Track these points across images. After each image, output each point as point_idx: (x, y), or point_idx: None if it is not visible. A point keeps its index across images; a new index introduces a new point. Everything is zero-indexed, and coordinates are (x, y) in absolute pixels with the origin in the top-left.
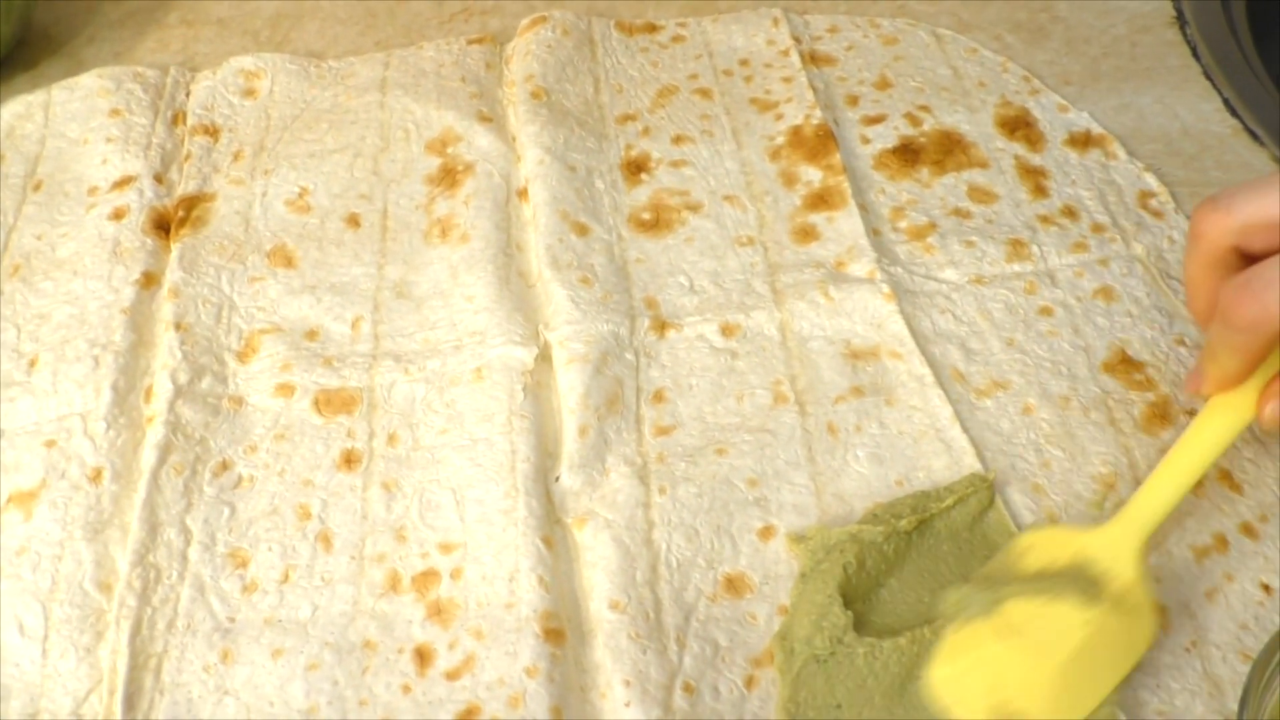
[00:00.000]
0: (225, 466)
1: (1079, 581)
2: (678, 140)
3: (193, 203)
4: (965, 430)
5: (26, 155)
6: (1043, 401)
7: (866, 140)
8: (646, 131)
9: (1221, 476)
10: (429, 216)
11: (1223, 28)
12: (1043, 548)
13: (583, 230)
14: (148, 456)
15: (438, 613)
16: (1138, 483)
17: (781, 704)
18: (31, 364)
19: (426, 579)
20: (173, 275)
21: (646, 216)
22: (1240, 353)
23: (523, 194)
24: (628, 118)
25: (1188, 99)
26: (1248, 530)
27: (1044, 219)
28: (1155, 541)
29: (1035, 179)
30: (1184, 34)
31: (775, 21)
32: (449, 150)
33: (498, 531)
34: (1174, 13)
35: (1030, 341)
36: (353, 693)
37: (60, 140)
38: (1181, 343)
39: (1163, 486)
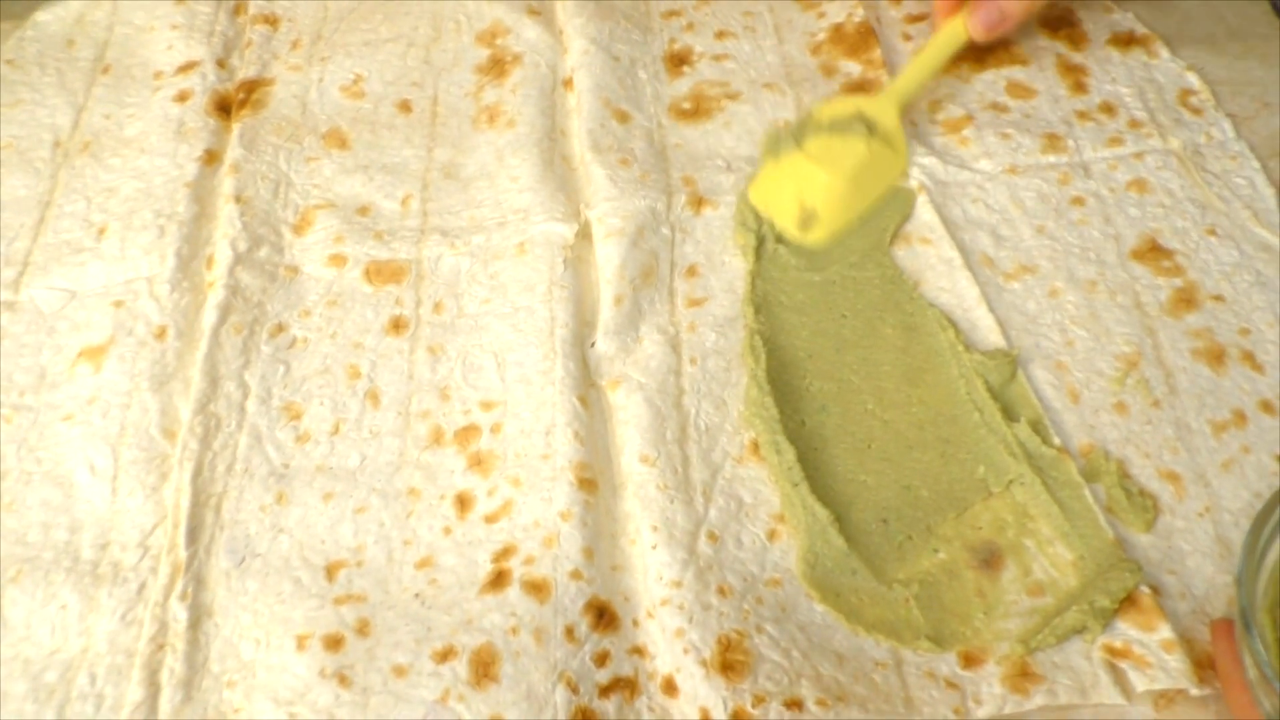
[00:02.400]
0: (281, 328)
1: (857, 126)
2: (720, 35)
3: (253, 86)
4: (991, 310)
5: (96, 40)
6: (1069, 285)
7: (908, 38)
8: (690, 27)
9: (1244, 357)
10: (477, 104)
11: None
12: (832, 110)
13: (624, 117)
14: (209, 316)
15: (478, 463)
16: (1161, 363)
17: (800, 555)
18: (101, 232)
19: (468, 433)
20: (233, 153)
21: (687, 106)
22: None
23: (568, 84)
24: (673, 13)
25: (1235, 2)
26: (1266, 407)
27: (1081, 114)
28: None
29: (1075, 76)
30: None
31: None
32: (498, 42)
33: (536, 390)
34: None
35: (1060, 229)
36: (398, 533)
37: (127, 27)
38: (1213, 233)
39: (914, 73)
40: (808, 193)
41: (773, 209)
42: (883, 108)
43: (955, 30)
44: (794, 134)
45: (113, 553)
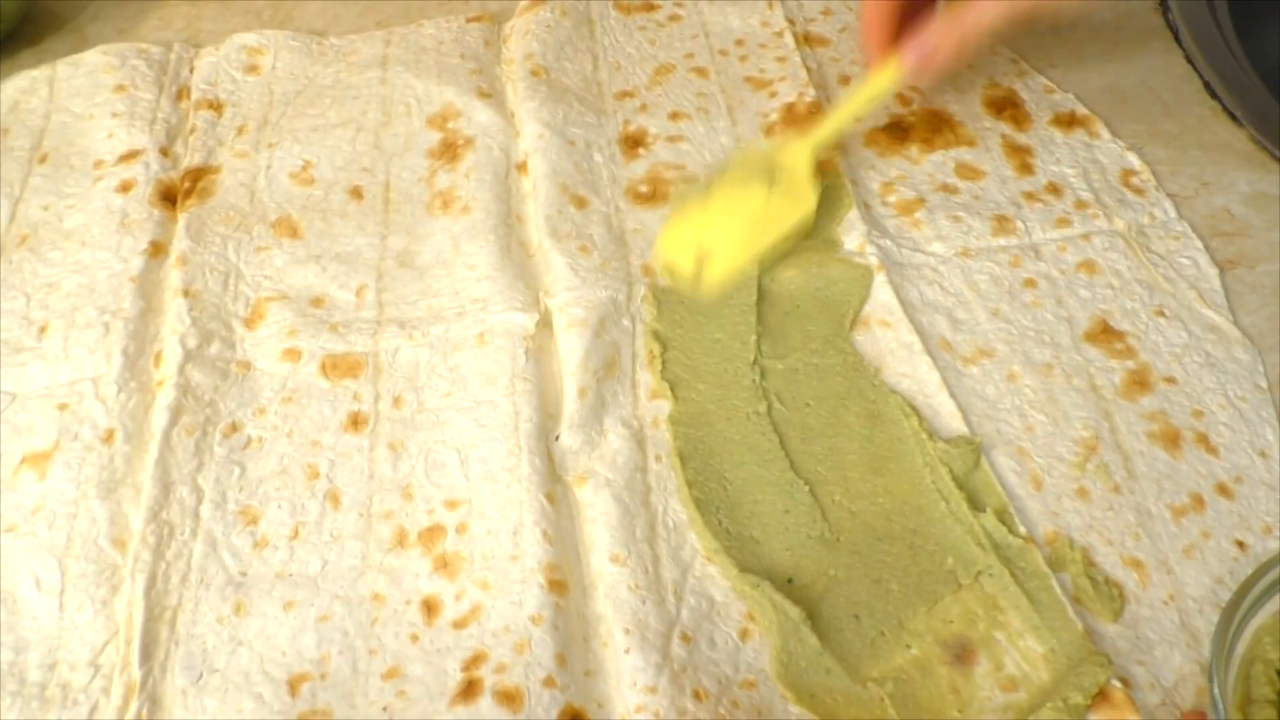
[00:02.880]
0: (235, 428)
1: (764, 175)
2: (674, 116)
3: (198, 175)
4: (952, 395)
5: (32, 129)
6: (1026, 369)
7: (857, 119)
8: (644, 108)
9: (1199, 439)
10: (430, 189)
11: (1204, 13)
12: (747, 160)
13: (581, 202)
14: (159, 418)
15: (444, 566)
16: (1119, 447)
17: (774, 655)
18: (42, 330)
19: (433, 534)
20: (180, 244)
21: (644, 189)
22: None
23: (522, 168)
24: (626, 94)
25: (1170, 81)
26: (1223, 490)
27: (1029, 195)
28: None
29: (1021, 157)
30: (1166, 19)
31: (770, 4)
32: (449, 125)
33: (502, 488)
34: None
35: (1015, 312)
36: (362, 642)
37: (65, 115)
38: (1161, 314)
39: (835, 120)
40: (704, 240)
41: (674, 258)
42: (796, 153)
43: (885, 74)
44: (704, 185)
45: (61, 673)
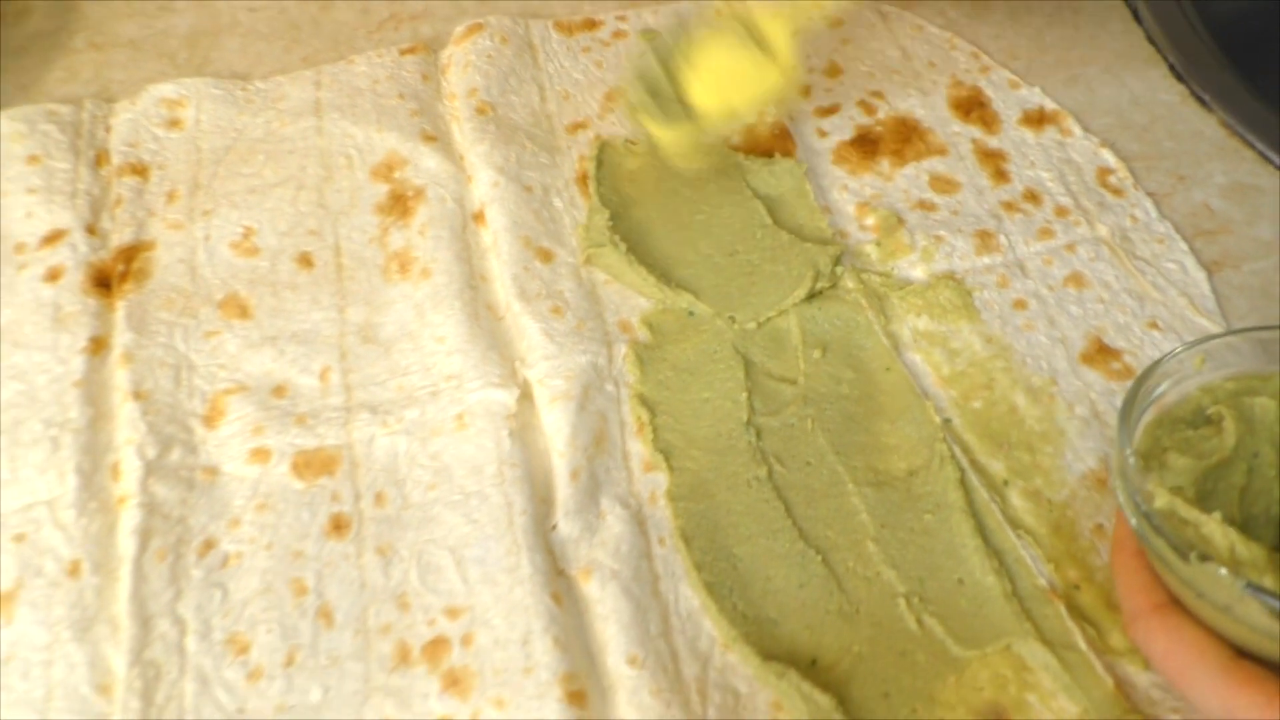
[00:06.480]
0: (209, 545)
1: (740, 34)
2: (630, 145)
3: (132, 254)
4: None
5: None
6: (1028, 399)
7: (823, 134)
8: (598, 139)
9: None
10: (385, 250)
11: None
12: (718, 17)
13: (547, 256)
14: (127, 544)
15: (454, 683)
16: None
17: None
18: None
19: (437, 648)
20: (122, 338)
21: None
22: None
23: (479, 218)
24: (578, 126)
25: (1134, 65)
26: None
27: (1008, 205)
28: None
29: (995, 163)
30: None
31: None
32: (396, 175)
33: (504, 591)
34: None
35: (1009, 337)
36: None
37: None
38: (1155, 326)
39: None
40: (680, 91)
41: (645, 111)
42: (771, 18)
43: None
44: (670, 39)
45: None
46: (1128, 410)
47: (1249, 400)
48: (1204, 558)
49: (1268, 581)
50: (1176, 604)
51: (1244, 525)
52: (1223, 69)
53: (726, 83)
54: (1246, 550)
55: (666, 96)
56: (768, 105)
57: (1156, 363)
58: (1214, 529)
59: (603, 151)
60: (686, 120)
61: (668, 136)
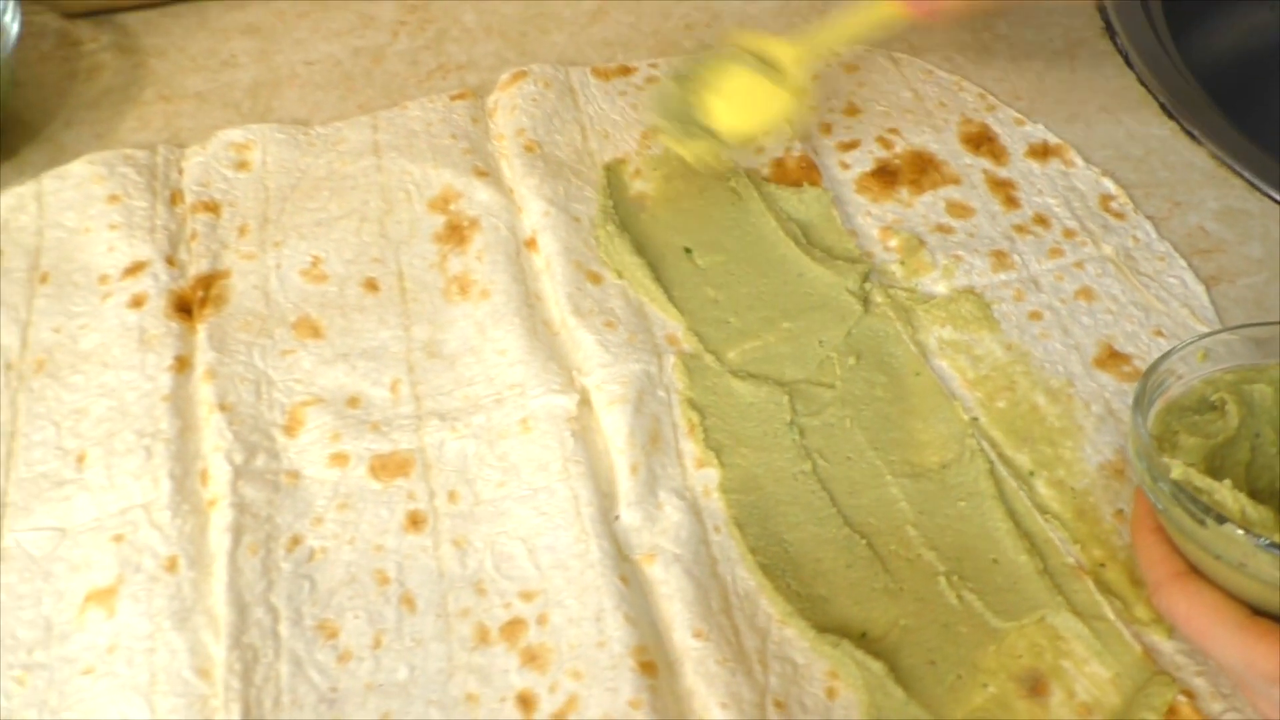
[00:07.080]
0: (296, 541)
1: (758, 64)
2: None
3: (209, 281)
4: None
5: (26, 248)
6: (1048, 399)
7: (846, 166)
8: (638, 174)
9: None
10: (445, 275)
11: (1147, 33)
12: (737, 48)
13: (596, 279)
14: (220, 540)
15: (532, 659)
16: None
17: (863, 712)
18: (80, 460)
19: (514, 628)
20: (205, 356)
21: None
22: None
23: (530, 244)
24: (619, 162)
25: (1128, 104)
26: None
27: (1019, 228)
28: None
29: (1005, 191)
30: (1115, 44)
31: None
32: (451, 207)
33: (575, 575)
34: (1103, 24)
35: (1027, 344)
36: None
37: (59, 230)
38: (1160, 333)
39: (828, 32)
40: (702, 113)
41: (671, 130)
42: (789, 51)
43: (885, 7)
44: (691, 67)
45: None
46: (1140, 398)
47: (1248, 387)
48: (1220, 519)
49: (1278, 539)
50: (1194, 572)
51: (1250, 498)
52: (1208, 107)
53: (743, 103)
54: (1256, 512)
55: (687, 118)
56: (782, 122)
57: (1163, 356)
58: (1225, 494)
59: (610, 172)
60: (707, 137)
61: (689, 151)
